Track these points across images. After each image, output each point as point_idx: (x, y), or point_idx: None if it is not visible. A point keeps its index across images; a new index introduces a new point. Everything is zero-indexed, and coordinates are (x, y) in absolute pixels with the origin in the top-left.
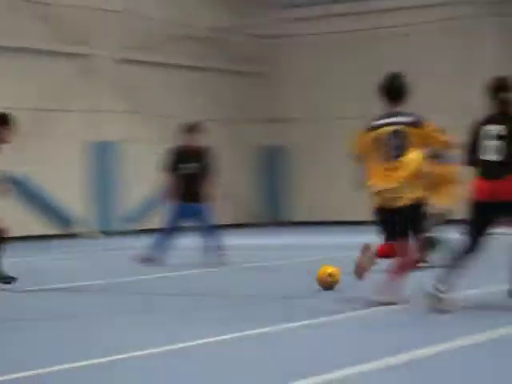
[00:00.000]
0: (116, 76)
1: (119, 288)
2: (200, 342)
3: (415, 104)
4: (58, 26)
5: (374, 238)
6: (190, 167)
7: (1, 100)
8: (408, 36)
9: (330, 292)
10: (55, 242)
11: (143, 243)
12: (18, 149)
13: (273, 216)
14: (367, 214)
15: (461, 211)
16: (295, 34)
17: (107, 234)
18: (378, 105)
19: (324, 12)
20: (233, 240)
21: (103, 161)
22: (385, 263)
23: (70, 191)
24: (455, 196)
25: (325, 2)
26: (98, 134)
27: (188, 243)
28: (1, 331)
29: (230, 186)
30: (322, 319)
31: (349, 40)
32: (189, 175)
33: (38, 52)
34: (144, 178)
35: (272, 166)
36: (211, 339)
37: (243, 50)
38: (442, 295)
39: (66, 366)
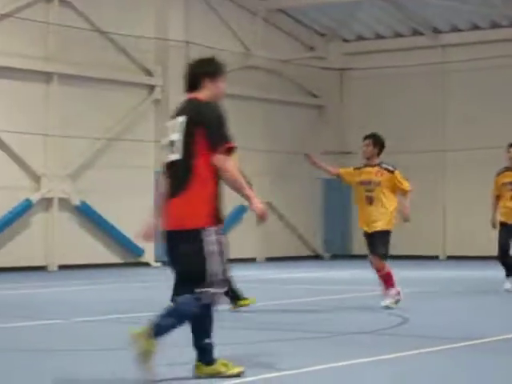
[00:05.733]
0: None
1: None
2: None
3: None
4: (128, 55)
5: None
6: None
7: (72, 129)
8: (473, 71)
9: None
10: (118, 271)
11: None
12: (86, 177)
13: (333, 249)
14: None
15: None
16: (358, 67)
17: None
18: (439, 141)
19: (388, 46)
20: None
21: None
22: None
23: (137, 221)
24: None
25: (389, 36)
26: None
27: None
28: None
29: (290, 218)
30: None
31: (413, 75)
32: None
33: (107, 81)
34: None
35: (329, 199)
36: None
37: (306, 82)
38: None
39: None
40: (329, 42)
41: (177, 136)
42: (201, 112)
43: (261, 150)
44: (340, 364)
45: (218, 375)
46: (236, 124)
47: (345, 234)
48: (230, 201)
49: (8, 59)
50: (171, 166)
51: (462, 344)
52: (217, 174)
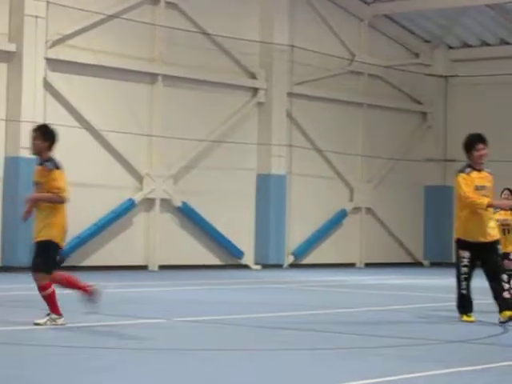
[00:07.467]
0: (285, 110)
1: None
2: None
3: None
4: (233, 58)
5: None
6: None
7: (176, 130)
8: None
9: None
10: (216, 273)
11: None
12: (189, 179)
13: (434, 256)
14: None
15: None
16: (463, 74)
17: (267, 266)
18: None
19: (493, 53)
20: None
21: (270, 194)
22: None
23: (238, 223)
24: None
25: (495, 43)
26: (266, 167)
27: None
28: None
29: (390, 224)
30: None
31: None
32: None
33: (211, 84)
34: (308, 213)
35: (431, 206)
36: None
37: (410, 88)
38: None
39: None
40: (434, 48)
41: None
42: None
43: (363, 155)
44: (434, 373)
45: None
46: (338, 129)
47: (446, 242)
48: (329, 206)
49: (113, 60)
50: None
51: None
52: None
